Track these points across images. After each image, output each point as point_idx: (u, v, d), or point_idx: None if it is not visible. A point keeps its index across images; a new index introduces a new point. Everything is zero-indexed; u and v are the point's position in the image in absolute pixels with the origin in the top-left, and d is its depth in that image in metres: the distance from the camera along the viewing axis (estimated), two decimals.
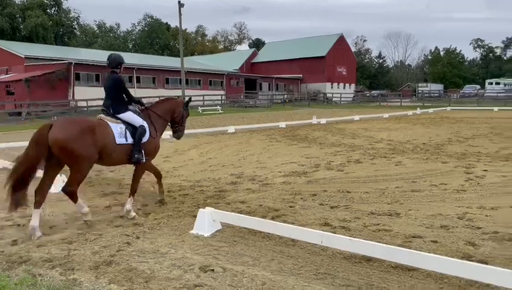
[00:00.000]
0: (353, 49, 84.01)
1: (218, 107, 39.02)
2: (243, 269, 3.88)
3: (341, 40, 69.91)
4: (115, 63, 5.71)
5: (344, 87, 68.72)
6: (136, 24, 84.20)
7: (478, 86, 70.10)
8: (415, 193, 6.59)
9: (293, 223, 5.08)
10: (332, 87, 65.52)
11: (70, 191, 5.08)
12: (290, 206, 6.00)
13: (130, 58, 50.17)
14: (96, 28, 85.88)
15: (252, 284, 3.56)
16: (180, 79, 41.90)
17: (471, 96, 55.70)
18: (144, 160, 5.65)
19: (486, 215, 5.32)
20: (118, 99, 5.62)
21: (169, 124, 6.31)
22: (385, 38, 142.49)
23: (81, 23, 72.92)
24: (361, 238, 4.52)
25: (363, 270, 3.81)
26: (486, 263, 3.76)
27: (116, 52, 6.03)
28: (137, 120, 5.62)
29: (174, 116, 6.27)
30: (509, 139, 13.35)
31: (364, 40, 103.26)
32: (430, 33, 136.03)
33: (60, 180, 6.16)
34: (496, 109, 33.89)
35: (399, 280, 3.60)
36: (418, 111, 31.28)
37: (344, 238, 4.09)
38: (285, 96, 56.97)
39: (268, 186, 7.39)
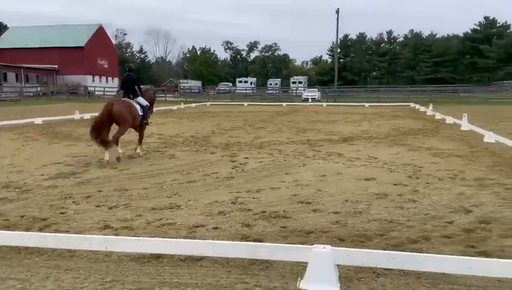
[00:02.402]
0: (114, 42, 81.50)
1: None
2: None
3: (100, 32, 66.79)
4: (131, 69, 9.67)
5: (107, 81, 66.04)
6: None
7: (230, 84, 78.87)
8: (191, 184, 6.83)
9: (67, 232, 4.51)
10: (94, 80, 62.06)
11: (116, 139, 8.62)
12: (61, 213, 5.29)
13: None
14: None
15: None
16: None
17: (225, 93, 62.28)
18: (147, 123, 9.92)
19: (254, 198, 5.97)
20: (133, 90, 9.40)
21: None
22: (146, 33, 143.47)
23: None
24: (147, 236, 4.39)
25: (153, 269, 3.68)
26: (262, 241, 4.21)
27: (131, 63, 10.31)
28: (144, 102, 9.54)
29: (151, 100, 10.25)
30: (260, 130, 15.48)
31: (125, 34, 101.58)
32: (187, 32, 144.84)
33: None
34: (245, 104, 38.86)
35: (190, 271, 3.63)
36: (182, 106, 32.90)
37: (131, 239, 3.86)
38: (39, 88, 50.56)
39: (30, 192, 6.33)
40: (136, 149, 9.63)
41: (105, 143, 8.25)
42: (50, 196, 6.14)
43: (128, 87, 9.37)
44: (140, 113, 9.29)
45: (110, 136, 8.50)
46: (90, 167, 8.31)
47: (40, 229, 4.64)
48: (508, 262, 3.19)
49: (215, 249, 3.69)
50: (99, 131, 8.18)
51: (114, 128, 8.77)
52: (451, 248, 4.06)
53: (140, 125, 9.54)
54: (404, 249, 3.97)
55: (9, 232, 4.21)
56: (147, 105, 9.65)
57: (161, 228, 4.73)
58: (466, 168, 7.84)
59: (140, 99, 9.45)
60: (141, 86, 9.92)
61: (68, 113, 21.15)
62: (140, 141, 9.73)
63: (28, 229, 4.61)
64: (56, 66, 59.83)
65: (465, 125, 14.88)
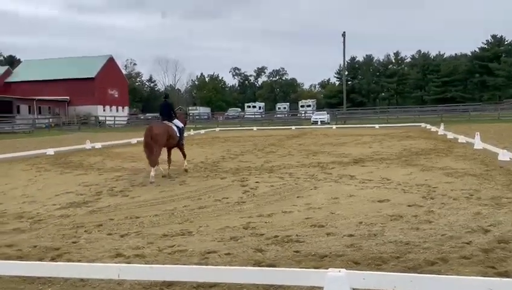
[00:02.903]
0: (124, 72, 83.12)
1: None
2: None
3: (111, 62, 68.27)
4: (167, 96, 12.09)
5: (117, 110, 67.07)
6: None
7: (239, 109, 79.48)
8: (202, 210, 6.80)
9: (79, 261, 4.48)
10: (104, 110, 63.03)
11: (154, 161, 9.75)
12: (74, 242, 5.28)
13: None
14: None
15: None
16: None
17: (234, 118, 62.65)
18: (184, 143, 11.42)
19: (266, 222, 5.90)
20: (170, 114, 10.95)
21: None
22: (155, 63, 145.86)
23: None
24: (159, 263, 4.34)
25: None
26: (275, 266, 4.13)
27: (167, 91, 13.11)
28: (180, 124, 11.04)
29: (184, 122, 11.70)
30: (270, 154, 15.46)
31: (135, 64, 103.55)
32: (195, 59, 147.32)
33: None
34: (255, 128, 39.03)
35: None
36: (192, 132, 33.11)
37: (143, 266, 3.81)
38: (51, 120, 51.45)
39: (42, 222, 6.35)
40: (185, 166, 11.25)
41: (153, 162, 9.73)
42: (62, 225, 6.15)
43: (165, 112, 10.95)
44: (177, 134, 10.69)
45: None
46: (101, 195, 8.34)
47: (53, 259, 4.63)
48: None
49: (228, 275, 3.62)
50: (151, 149, 9.71)
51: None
52: (471, 269, 3.95)
53: (178, 145, 10.99)
54: (421, 271, 3.86)
55: (22, 262, 4.20)
56: (183, 127, 11.20)
57: (173, 255, 4.68)
58: (481, 187, 7.70)
59: (177, 122, 10.94)
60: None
61: (79, 143, 21.41)
62: (184, 157, 11.34)
63: (40, 259, 4.60)
64: (67, 98, 61.02)
65: (478, 143, 14.69)
